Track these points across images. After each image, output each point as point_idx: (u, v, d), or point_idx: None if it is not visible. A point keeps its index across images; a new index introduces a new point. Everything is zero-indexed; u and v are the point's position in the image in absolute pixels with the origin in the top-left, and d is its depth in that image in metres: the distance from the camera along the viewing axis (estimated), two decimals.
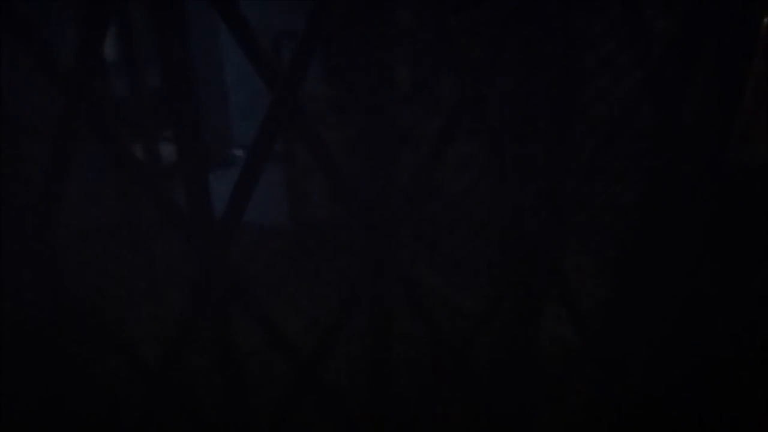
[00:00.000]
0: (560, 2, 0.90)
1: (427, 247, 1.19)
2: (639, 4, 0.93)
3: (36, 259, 0.96)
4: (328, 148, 0.95)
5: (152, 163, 1.64)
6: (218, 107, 3.17)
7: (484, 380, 1.23)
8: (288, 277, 1.20)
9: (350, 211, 0.97)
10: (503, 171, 1.01)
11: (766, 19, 1.05)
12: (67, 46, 0.85)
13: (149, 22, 0.81)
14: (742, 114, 1.08)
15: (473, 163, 1.11)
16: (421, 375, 1.25)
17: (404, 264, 1.06)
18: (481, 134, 0.98)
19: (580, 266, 1.26)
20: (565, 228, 1.08)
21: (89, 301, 1.04)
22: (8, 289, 0.98)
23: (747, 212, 1.15)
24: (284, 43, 2.21)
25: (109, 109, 0.91)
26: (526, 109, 1.02)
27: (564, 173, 1.03)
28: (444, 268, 1.24)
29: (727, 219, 1.13)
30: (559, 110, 0.99)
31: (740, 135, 1.13)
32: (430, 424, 1.29)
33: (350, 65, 1.02)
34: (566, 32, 0.94)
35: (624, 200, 1.16)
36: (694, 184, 1.07)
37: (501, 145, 1.00)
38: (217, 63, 3.10)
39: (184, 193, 0.92)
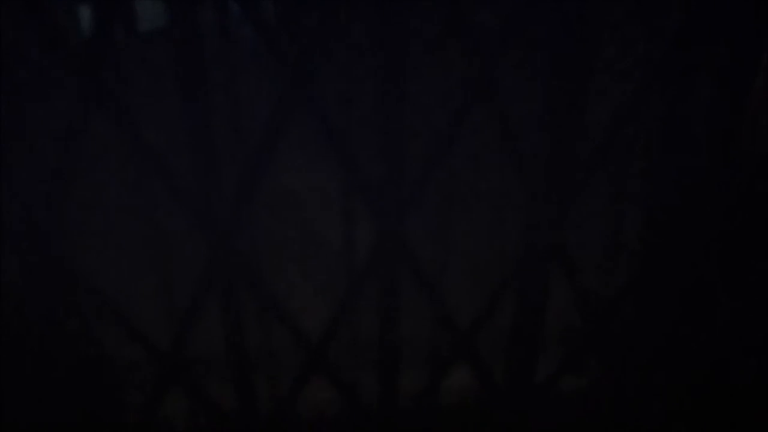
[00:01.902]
0: None
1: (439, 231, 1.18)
2: None
3: (44, 252, 0.95)
4: (342, 133, 0.94)
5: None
6: None
7: (490, 365, 1.25)
8: None
9: (363, 197, 0.97)
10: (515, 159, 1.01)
11: None
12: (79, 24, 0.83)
13: None
14: (753, 101, 1.08)
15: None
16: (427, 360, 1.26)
17: (414, 249, 1.07)
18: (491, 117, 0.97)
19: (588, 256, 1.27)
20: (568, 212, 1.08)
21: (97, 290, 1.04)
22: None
23: (759, 202, 1.15)
24: None
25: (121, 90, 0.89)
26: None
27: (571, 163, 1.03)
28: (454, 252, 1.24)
29: (740, 209, 1.13)
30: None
31: (751, 122, 1.12)
32: (435, 410, 1.31)
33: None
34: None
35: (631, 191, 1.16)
36: (703, 174, 1.07)
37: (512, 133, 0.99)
38: None
39: None
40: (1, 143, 0.89)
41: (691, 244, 1.16)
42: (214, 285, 1.05)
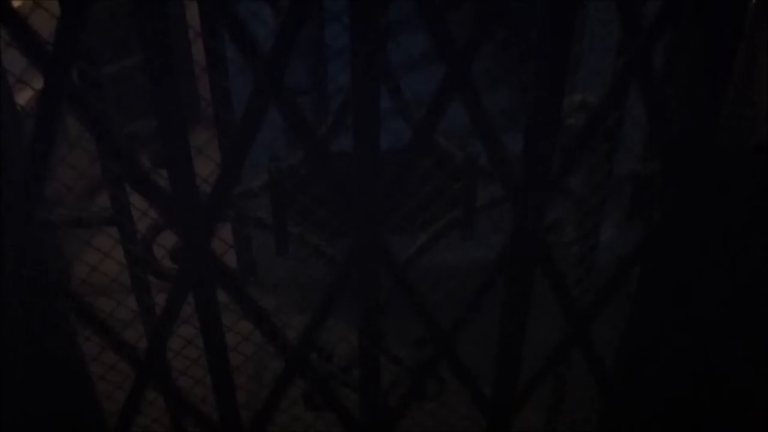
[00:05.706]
0: None
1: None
2: None
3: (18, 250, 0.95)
4: (313, 128, 0.93)
5: None
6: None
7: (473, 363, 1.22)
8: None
9: (338, 195, 0.96)
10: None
11: None
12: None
13: None
14: (734, 91, 1.06)
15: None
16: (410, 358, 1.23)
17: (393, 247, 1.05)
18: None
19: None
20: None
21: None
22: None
23: (744, 193, 1.13)
24: None
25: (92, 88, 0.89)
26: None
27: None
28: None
29: (723, 201, 1.11)
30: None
31: (732, 113, 1.11)
32: (418, 410, 1.29)
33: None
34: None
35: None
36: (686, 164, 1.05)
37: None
38: None
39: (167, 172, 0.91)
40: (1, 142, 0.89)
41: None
42: (190, 285, 1.04)
